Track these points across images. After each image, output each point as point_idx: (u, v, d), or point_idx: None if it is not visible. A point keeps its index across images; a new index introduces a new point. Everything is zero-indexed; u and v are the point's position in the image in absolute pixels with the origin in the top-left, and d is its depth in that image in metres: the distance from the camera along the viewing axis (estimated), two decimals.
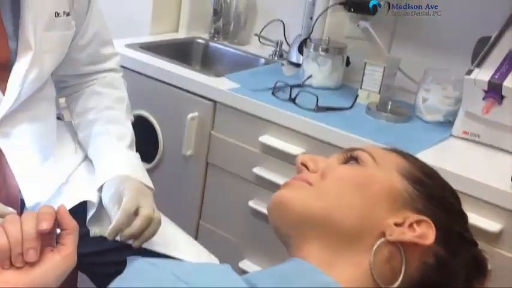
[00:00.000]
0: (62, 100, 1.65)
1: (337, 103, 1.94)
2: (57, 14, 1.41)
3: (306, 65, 2.11)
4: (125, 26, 2.47)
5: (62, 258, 0.85)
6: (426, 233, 0.82)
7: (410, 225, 0.83)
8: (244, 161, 1.93)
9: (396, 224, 0.83)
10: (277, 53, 2.40)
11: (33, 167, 1.41)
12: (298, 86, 2.03)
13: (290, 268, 0.83)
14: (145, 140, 2.15)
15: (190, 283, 0.74)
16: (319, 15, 2.20)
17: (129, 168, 1.42)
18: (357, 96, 1.98)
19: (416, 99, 1.91)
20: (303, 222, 0.85)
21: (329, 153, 1.71)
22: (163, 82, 2.10)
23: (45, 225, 0.82)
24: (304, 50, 2.14)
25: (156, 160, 2.16)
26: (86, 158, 1.54)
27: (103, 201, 1.37)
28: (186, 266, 0.87)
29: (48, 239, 0.87)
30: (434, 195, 0.88)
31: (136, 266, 0.80)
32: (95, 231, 1.35)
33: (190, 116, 2.01)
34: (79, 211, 1.37)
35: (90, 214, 1.40)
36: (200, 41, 2.55)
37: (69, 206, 1.36)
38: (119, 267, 0.86)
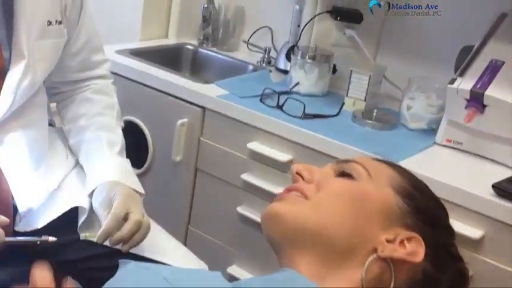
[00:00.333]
0: (53, 105, 1.67)
1: (323, 110, 1.97)
2: (50, 23, 1.43)
3: (294, 72, 2.15)
4: (115, 32, 2.49)
5: None
6: (416, 251, 0.84)
7: (401, 242, 0.84)
8: (233, 167, 1.96)
9: (388, 241, 0.84)
10: (265, 59, 2.43)
11: (25, 174, 1.43)
12: (286, 93, 2.06)
13: (281, 277, 0.84)
14: (135, 146, 2.17)
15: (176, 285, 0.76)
16: (307, 23, 2.23)
17: (119, 174, 1.44)
18: (343, 103, 2.01)
19: (401, 107, 1.95)
20: (297, 236, 0.86)
21: (316, 159, 1.77)
22: (153, 88, 2.13)
23: None
24: (292, 57, 2.18)
25: (145, 166, 2.18)
26: (77, 164, 1.56)
27: (93, 207, 1.39)
28: (177, 271, 0.89)
29: None
30: (425, 210, 0.89)
31: (128, 269, 0.82)
32: (85, 234, 1.37)
33: (179, 122, 2.04)
34: (70, 217, 1.40)
35: (81, 220, 1.42)
36: (189, 47, 2.58)
37: (60, 211, 1.39)
38: (111, 272, 0.88)
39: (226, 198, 2.01)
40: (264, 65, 2.42)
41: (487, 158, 1.76)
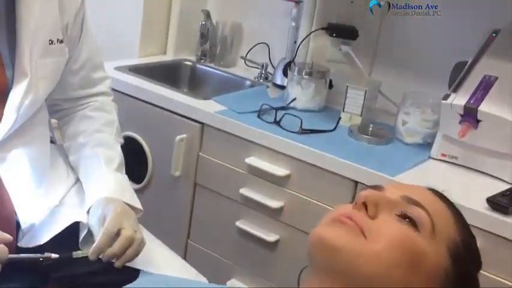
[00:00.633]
0: (54, 121, 1.69)
1: (320, 125, 2.00)
2: (51, 42, 1.46)
3: (290, 88, 2.18)
4: (114, 49, 2.52)
5: None
6: None
7: None
8: (232, 181, 1.99)
9: None
10: (263, 75, 2.46)
11: (28, 190, 1.45)
12: (283, 108, 2.09)
13: None
14: (134, 161, 2.20)
15: None
16: (303, 40, 2.27)
17: (115, 190, 1.46)
18: (340, 118, 2.04)
19: (397, 122, 1.98)
20: (344, 274, 0.84)
21: (313, 174, 1.80)
22: (153, 104, 2.16)
23: None
24: (289, 73, 2.21)
25: (145, 181, 2.21)
26: (78, 180, 1.58)
27: (89, 223, 1.41)
28: (191, 283, 0.91)
29: None
30: (467, 276, 0.89)
31: (150, 279, 0.84)
32: (77, 252, 1.37)
33: (178, 137, 2.07)
34: (72, 232, 1.42)
35: (82, 235, 1.44)
36: (187, 63, 2.61)
37: (62, 227, 1.41)
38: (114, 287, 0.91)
39: (225, 213, 2.03)
40: (261, 80, 2.45)
41: (481, 172, 1.78)
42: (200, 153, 2.07)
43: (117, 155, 1.57)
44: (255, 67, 2.52)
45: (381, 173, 1.72)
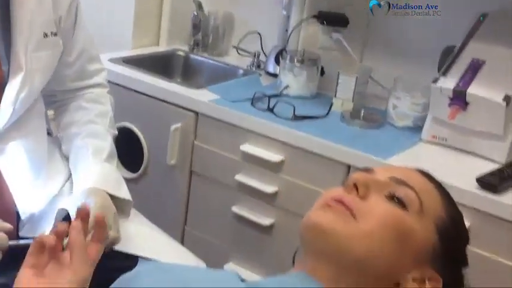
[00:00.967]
0: (50, 113, 1.71)
1: (313, 111, 2.03)
2: (46, 35, 1.48)
3: (283, 76, 2.21)
4: (108, 41, 2.54)
5: (72, 273, 0.90)
6: None
7: (423, 280, 0.88)
8: (227, 168, 2.02)
9: (413, 279, 0.88)
10: (255, 63, 2.49)
11: (26, 181, 1.47)
12: (276, 95, 2.12)
13: (297, 281, 0.88)
14: (130, 151, 2.24)
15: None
16: (294, 28, 2.29)
17: (99, 181, 1.45)
18: (332, 104, 2.08)
19: (388, 107, 2.02)
20: (335, 254, 0.87)
21: (307, 159, 1.83)
22: (147, 95, 2.18)
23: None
24: (281, 61, 2.24)
25: (141, 170, 2.24)
26: None
27: (70, 214, 1.40)
28: (195, 272, 0.95)
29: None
30: (455, 252, 0.93)
31: (147, 267, 0.88)
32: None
33: (173, 127, 2.10)
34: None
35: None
36: (180, 53, 2.64)
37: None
38: (112, 274, 0.94)
39: (221, 199, 2.07)
40: (253, 69, 2.48)
41: (470, 153, 1.83)
42: (195, 142, 2.10)
43: (108, 146, 1.57)
44: (247, 56, 2.55)
45: (373, 156, 1.75)
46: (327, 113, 2.04)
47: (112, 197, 1.43)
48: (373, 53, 2.26)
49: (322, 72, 2.26)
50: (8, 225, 1.23)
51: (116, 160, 1.60)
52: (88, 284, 0.92)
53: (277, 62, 2.36)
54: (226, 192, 2.05)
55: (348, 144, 1.81)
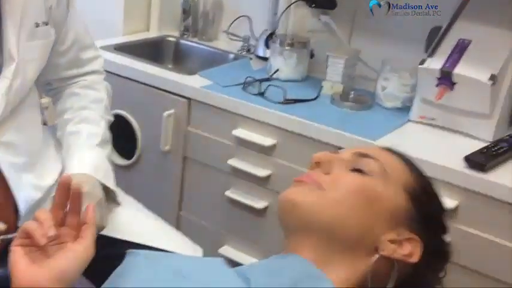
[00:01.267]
0: (44, 101, 1.72)
1: (303, 94, 2.06)
2: (37, 24, 1.48)
3: (273, 60, 2.23)
4: (98, 28, 2.52)
5: (83, 249, 0.92)
6: (413, 252, 0.92)
7: (401, 242, 0.92)
8: (220, 153, 2.05)
9: (390, 241, 0.92)
10: (245, 47, 2.51)
11: (23, 172, 1.49)
12: (267, 79, 2.15)
13: (284, 261, 0.92)
14: (124, 138, 2.26)
15: (187, 277, 0.85)
16: (283, 12, 2.31)
17: (88, 167, 1.47)
18: (322, 87, 2.10)
19: (376, 88, 2.04)
20: (309, 225, 0.92)
21: (299, 142, 1.86)
22: (139, 82, 2.21)
23: (52, 232, 0.92)
24: (270, 45, 2.26)
25: (135, 156, 2.27)
26: None
27: None
28: (183, 260, 0.97)
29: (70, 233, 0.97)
30: (428, 214, 0.97)
31: (134, 261, 0.91)
32: None
33: (166, 113, 2.12)
34: None
35: None
36: (171, 39, 2.66)
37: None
38: (113, 261, 0.97)
39: (215, 183, 2.10)
40: (244, 53, 2.50)
41: (458, 132, 1.86)
42: (188, 128, 2.12)
43: (101, 131, 1.58)
44: (237, 40, 2.57)
45: (362, 137, 1.78)
46: (317, 96, 2.07)
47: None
48: (362, 35, 2.28)
49: (312, 55, 2.28)
50: (1, 225, 1.25)
51: (109, 146, 1.61)
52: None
53: (267, 45, 2.38)
54: (220, 176, 2.08)
55: (338, 126, 1.84)
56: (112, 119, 1.68)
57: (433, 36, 1.92)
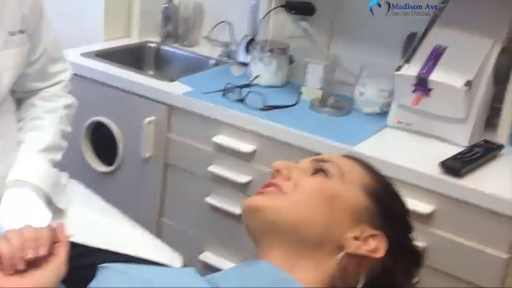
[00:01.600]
0: None
1: (283, 100, 2.08)
2: (12, 33, 1.49)
3: (253, 65, 2.25)
4: (80, 35, 2.56)
5: (56, 265, 0.99)
6: (378, 247, 0.95)
7: (366, 239, 0.95)
8: (200, 160, 2.06)
9: (354, 238, 0.95)
10: (226, 53, 2.52)
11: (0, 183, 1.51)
12: (247, 85, 2.17)
13: (252, 268, 0.95)
14: (105, 145, 2.28)
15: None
16: (263, 18, 2.32)
17: (23, 172, 1.49)
18: (301, 93, 2.12)
19: (354, 93, 2.06)
20: (274, 228, 0.95)
21: (278, 149, 1.88)
22: (121, 89, 2.21)
23: (42, 251, 0.97)
24: (251, 51, 2.28)
25: (116, 163, 2.27)
26: None
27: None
28: (153, 271, 0.99)
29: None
30: (389, 211, 1.00)
31: (105, 275, 0.93)
32: None
33: (147, 120, 2.13)
34: None
35: None
36: (152, 44, 2.66)
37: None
38: (90, 271, 0.99)
39: (196, 190, 2.11)
40: (225, 58, 2.51)
41: (435, 136, 1.88)
42: (169, 134, 2.13)
43: (47, 137, 1.58)
44: (218, 46, 2.58)
45: (340, 143, 1.80)
46: (297, 102, 2.08)
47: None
48: (340, 41, 2.30)
49: (292, 61, 2.30)
50: None
51: (59, 153, 1.61)
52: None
53: (247, 51, 2.39)
54: (201, 183, 2.09)
55: (316, 132, 1.86)
56: (69, 130, 1.67)
57: (409, 42, 1.94)
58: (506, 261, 1.60)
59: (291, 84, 2.27)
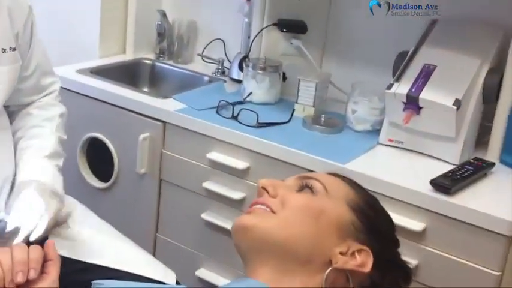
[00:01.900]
0: None
1: (276, 117, 2.11)
2: (4, 50, 1.52)
3: (246, 83, 2.28)
4: (75, 51, 2.60)
5: (48, 284, 1.01)
6: (365, 262, 0.98)
7: (353, 254, 0.98)
8: (195, 176, 2.09)
9: (341, 253, 0.98)
10: (220, 70, 2.56)
11: None
12: (240, 103, 2.20)
13: (241, 286, 0.98)
14: (101, 161, 2.30)
15: None
16: (256, 36, 2.36)
17: (33, 173, 1.51)
18: (294, 110, 2.15)
19: (346, 111, 2.09)
20: (263, 246, 0.97)
21: (271, 165, 1.91)
22: (116, 106, 2.24)
23: (32, 274, 0.99)
24: (244, 68, 2.31)
25: (112, 179, 2.29)
26: None
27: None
28: None
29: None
30: (374, 226, 1.03)
31: None
32: None
33: (142, 136, 2.15)
34: None
35: None
36: (147, 61, 2.69)
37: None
38: (86, 285, 1.01)
39: (191, 206, 2.13)
40: (218, 75, 2.54)
41: (425, 155, 1.91)
42: (163, 151, 2.16)
43: (50, 145, 1.61)
44: (212, 63, 2.61)
45: (332, 161, 1.83)
46: (289, 119, 2.11)
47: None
48: (333, 58, 2.34)
49: (285, 78, 2.33)
50: None
51: (61, 159, 1.64)
52: None
53: (241, 68, 2.42)
54: (196, 199, 2.11)
55: (308, 150, 1.88)
56: (65, 137, 1.70)
57: (400, 61, 1.98)
58: (498, 278, 1.62)
59: (284, 101, 2.30)
